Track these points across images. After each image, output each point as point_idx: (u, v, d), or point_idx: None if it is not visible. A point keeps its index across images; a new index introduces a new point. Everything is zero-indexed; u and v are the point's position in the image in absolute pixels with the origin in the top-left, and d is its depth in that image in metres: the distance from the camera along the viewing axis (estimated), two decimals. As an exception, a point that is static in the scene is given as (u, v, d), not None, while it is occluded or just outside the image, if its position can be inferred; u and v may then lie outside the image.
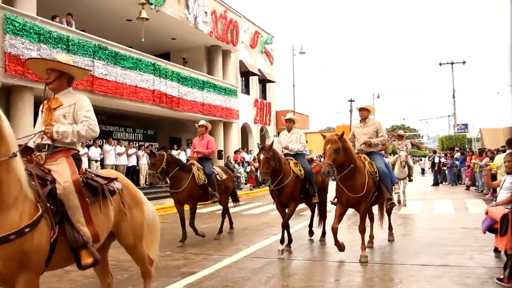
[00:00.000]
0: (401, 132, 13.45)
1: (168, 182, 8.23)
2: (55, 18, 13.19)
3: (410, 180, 13.19)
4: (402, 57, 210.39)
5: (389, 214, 7.47)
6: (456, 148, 27.00)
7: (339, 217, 6.17)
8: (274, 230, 9.12)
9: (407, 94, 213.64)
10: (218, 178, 8.60)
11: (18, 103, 11.57)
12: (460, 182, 21.11)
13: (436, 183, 22.10)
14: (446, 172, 22.50)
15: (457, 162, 21.29)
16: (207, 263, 6.38)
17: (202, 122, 8.91)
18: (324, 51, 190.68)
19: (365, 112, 6.88)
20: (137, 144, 17.74)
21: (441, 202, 13.57)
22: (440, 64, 39.02)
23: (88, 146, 14.50)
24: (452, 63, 38.58)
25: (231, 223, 9.34)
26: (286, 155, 7.45)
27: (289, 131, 7.75)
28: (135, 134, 18.73)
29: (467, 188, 18.22)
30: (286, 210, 7.12)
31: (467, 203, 13.00)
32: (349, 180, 6.00)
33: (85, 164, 14.09)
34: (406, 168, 12.33)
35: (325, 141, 5.84)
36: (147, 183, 16.84)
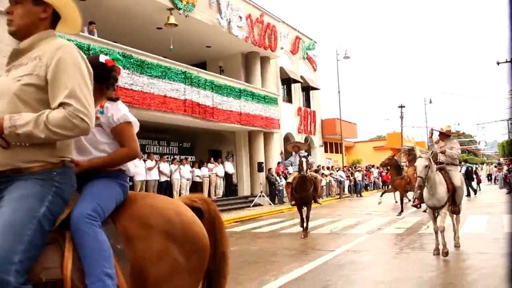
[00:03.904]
0: (444, 127, 7.72)
1: None
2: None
3: (456, 212, 7.45)
4: (457, 57, 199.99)
5: None
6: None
7: None
8: (311, 255, 7.73)
9: (462, 97, 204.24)
10: None
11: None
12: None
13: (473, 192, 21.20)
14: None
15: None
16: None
17: None
18: (371, 54, 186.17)
19: None
20: (171, 158, 16.84)
21: (513, 216, 11.61)
22: (498, 63, 36.05)
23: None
24: (511, 61, 35.54)
25: None
26: None
27: None
28: (170, 147, 17.85)
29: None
30: None
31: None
32: None
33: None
34: (442, 188, 6.96)
35: None
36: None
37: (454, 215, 7.54)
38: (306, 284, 5.63)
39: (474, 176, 25.62)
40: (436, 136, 8.19)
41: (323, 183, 23.21)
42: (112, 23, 15.02)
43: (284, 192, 19.82)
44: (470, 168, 24.09)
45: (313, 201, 10.33)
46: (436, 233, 7.06)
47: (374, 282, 5.60)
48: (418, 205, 8.61)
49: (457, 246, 7.54)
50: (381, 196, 15.22)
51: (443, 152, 7.43)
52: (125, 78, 12.65)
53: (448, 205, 7.16)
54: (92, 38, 12.29)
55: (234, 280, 6.04)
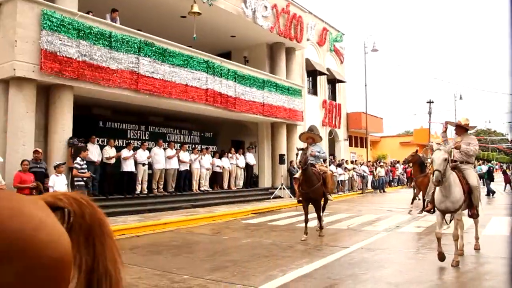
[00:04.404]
0: (462, 120, 7.05)
1: None
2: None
3: (474, 215, 6.83)
4: (490, 51, 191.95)
5: None
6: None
7: None
8: (324, 251, 7.54)
9: (494, 93, 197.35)
10: None
11: (56, 101, 10.94)
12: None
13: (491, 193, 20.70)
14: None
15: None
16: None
17: None
18: (400, 47, 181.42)
19: None
20: (192, 147, 16.83)
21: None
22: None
23: (135, 149, 13.71)
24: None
25: None
26: None
27: None
28: (191, 136, 17.79)
29: None
30: None
31: None
32: None
33: (132, 167, 13.31)
34: (457, 189, 6.19)
35: None
36: (200, 189, 15.84)
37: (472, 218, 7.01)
38: (313, 282, 5.46)
39: (503, 177, 25.28)
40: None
41: (345, 177, 22.90)
42: (135, 11, 15.00)
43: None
44: (491, 168, 23.75)
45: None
46: (438, 239, 6.17)
47: (384, 283, 5.38)
48: (432, 210, 6.95)
49: (476, 248, 7.15)
50: (412, 203, 13.89)
51: (457, 148, 6.68)
52: (146, 66, 12.63)
53: (463, 209, 6.39)
54: (114, 26, 12.27)
55: (241, 273, 5.94)
